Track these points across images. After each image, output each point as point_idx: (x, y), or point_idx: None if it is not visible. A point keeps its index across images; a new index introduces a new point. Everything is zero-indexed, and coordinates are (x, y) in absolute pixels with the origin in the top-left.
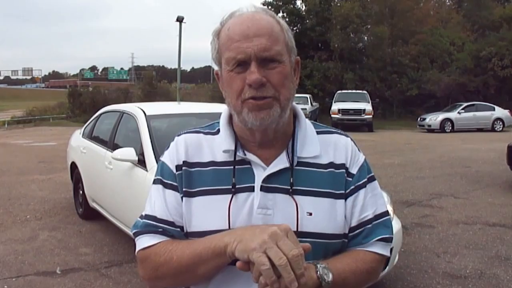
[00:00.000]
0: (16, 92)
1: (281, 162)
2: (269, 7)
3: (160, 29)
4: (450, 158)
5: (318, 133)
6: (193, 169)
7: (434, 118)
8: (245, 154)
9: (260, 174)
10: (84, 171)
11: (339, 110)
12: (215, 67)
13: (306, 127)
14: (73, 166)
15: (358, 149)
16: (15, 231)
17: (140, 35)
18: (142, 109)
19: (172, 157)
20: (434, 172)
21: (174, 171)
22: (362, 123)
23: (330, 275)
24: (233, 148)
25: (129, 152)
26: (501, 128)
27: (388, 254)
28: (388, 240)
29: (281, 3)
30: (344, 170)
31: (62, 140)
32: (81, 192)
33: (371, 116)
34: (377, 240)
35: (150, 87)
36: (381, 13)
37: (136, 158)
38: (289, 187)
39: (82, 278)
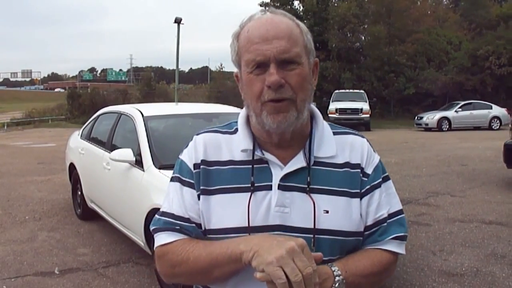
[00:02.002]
0: (16, 94)
1: (298, 161)
2: (266, 7)
3: (159, 31)
4: (447, 156)
5: (334, 133)
6: (212, 168)
7: (431, 117)
8: (263, 154)
9: (277, 173)
10: (82, 172)
11: (336, 109)
12: (235, 69)
13: (323, 128)
14: (72, 167)
15: (373, 150)
16: (14, 232)
17: (139, 36)
18: (139, 110)
19: (190, 155)
20: (431, 170)
21: (192, 169)
22: (359, 122)
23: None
24: (251, 147)
25: (126, 153)
26: (498, 127)
27: (403, 252)
28: (403, 238)
29: (278, 4)
30: (359, 170)
31: (61, 141)
32: (79, 192)
33: (368, 115)
34: (392, 238)
35: (149, 88)
36: (378, 13)
37: (134, 159)
38: (306, 186)
39: (80, 278)
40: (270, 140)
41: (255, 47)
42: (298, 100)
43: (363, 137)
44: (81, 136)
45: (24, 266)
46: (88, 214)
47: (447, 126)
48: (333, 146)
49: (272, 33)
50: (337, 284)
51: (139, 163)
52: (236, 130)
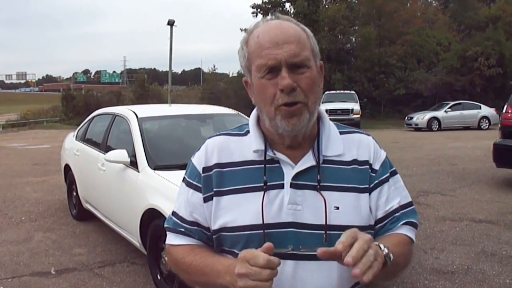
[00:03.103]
0: (11, 96)
1: (308, 160)
2: (258, 9)
3: (152, 33)
4: (437, 156)
5: (341, 133)
6: (225, 170)
7: (421, 117)
8: (274, 154)
9: (289, 172)
10: (77, 173)
11: (327, 110)
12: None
13: (330, 128)
14: (67, 168)
15: (379, 146)
16: (11, 233)
17: (132, 38)
18: (134, 112)
19: (200, 159)
20: (421, 170)
21: (201, 172)
22: (350, 123)
23: (391, 255)
24: (263, 148)
25: (121, 154)
26: (487, 126)
27: (414, 238)
28: (414, 225)
29: (270, 6)
30: (368, 167)
31: (56, 143)
32: (74, 193)
33: (359, 116)
34: (404, 224)
35: (142, 90)
36: (368, 15)
37: (129, 160)
38: (317, 184)
39: (76, 278)
40: (282, 142)
41: (267, 52)
42: (309, 103)
43: (368, 135)
44: (76, 137)
45: (20, 266)
46: (84, 215)
47: (437, 126)
48: (340, 145)
49: (282, 37)
50: (385, 250)
51: (134, 164)
52: (247, 132)
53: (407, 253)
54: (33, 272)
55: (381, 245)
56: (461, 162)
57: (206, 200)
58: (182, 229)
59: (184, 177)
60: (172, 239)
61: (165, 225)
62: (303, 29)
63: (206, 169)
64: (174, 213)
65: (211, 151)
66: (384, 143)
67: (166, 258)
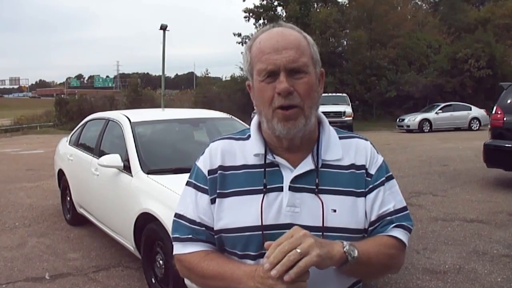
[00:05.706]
0: (4, 101)
1: (307, 164)
2: (251, 14)
3: (145, 37)
4: (428, 157)
5: (340, 138)
6: (227, 172)
7: (413, 119)
8: (274, 158)
9: (288, 175)
10: (71, 177)
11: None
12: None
13: (330, 132)
14: (61, 173)
15: (377, 151)
16: (4, 238)
17: (125, 43)
18: (127, 116)
19: (205, 162)
20: (413, 171)
21: (207, 175)
22: (342, 125)
23: (356, 251)
24: (263, 152)
25: (115, 159)
26: (477, 127)
27: (406, 241)
28: (407, 229)
29: (261, 10)
30: (364, 171)
31: (50, 148)
32: (68, 198)
33: (351, 118)
34: (396, 226)
35: (135, 94)
36: (359, 18)
37: (122, 164)
38: (315, 187)
39: (70, 283)
40: (280, 145)
41: (267, 57)
42: (305, 107)
43: (366, 140)
44: (69, 142)
45: (14, 272)
46: (78, 220)
47: (428, 128)
48: (339, 149)
49: (282, 44)
50: (346, 246)
51: (127, 168)
52: (249, 136)
53: (390, 255)
54: (27, 278)
55: (344, 242)
56: (452, 163)
57: (212, 201)
58: (190, 235)
59: (189, 181)
60: (180, 248)
61: (172, 236)
62: (305, 36)
63: (211, 172)
64: (181, 216)
65: (215, 154)
66: (376, 145)
67: (160, 262)
